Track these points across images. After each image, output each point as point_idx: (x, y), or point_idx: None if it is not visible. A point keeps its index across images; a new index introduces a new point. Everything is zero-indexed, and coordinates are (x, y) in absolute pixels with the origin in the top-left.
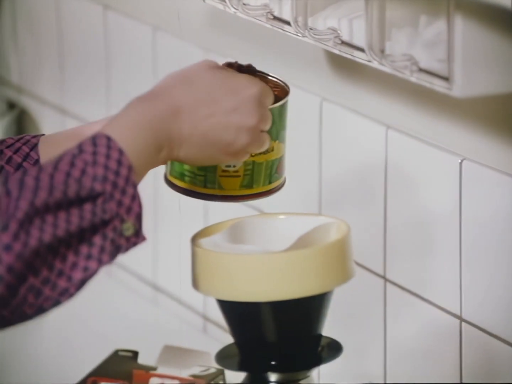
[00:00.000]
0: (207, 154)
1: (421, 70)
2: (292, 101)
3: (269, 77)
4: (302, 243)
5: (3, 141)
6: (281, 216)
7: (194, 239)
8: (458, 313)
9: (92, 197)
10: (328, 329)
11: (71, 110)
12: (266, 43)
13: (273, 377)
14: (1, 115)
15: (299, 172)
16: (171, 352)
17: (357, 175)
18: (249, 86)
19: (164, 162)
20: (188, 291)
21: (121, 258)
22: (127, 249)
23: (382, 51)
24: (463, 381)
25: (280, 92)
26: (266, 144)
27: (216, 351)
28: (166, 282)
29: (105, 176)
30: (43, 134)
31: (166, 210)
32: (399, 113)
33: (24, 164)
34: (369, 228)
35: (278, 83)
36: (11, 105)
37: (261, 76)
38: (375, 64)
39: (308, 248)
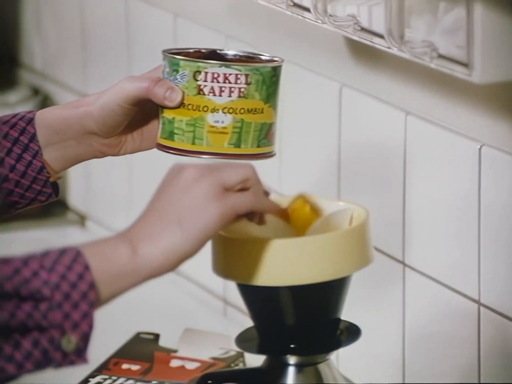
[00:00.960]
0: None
1: (440, 56)
2: (312, 87)
3: (262, 57)
4: (320, 228)
5: None
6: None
7: None
8: (476, 297)
9: (35, 299)
10: (347, 313)
11: None
12: (285, 29)
13: (292, 360)
14: (25, 101)
15: (318, 157)
16: (192, 335)
17: (376, 161)
18: (197, 188)
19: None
20: (208, 275)
21: None
22: (60, 365)
23: (402, 37)
24: (481, 365)
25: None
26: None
27: (236, 334)
28: (186, 266)
29: (58, 284)
30: (38, 109)
31: None
32: (418, 99)
33: (21, 138)
34: (388, 213)
35: (273, 59)
36: (35, 91)
37: (251, 58)
38: (394, 51)
39: (327, 234)
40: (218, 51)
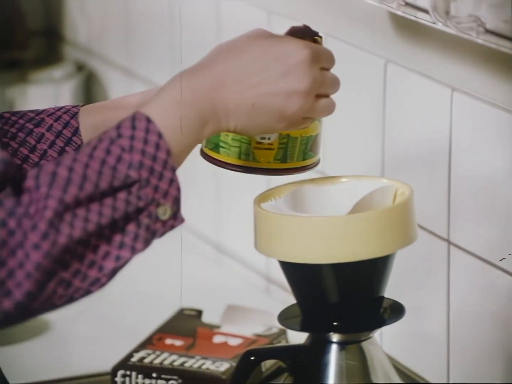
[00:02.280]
0: (258, 123)
1: (487, 31)
2: (357, 62)
3: None
4: (364, 205)
5: (44, 109)
6: (344, 179)
7: (257, 201)
8: None
9: (127, 185)
10: (391, 291)
11: (136, 72)
12: (330, 5)
13: (335, 337)
14: (70, 77)
15: (363, 134)
16: (235, 312)
17: (421, 137)
18: (298, 51)
19: (212, 134)
20: (251, 252)
21: (186, 218)
22: (163, 233)
23: (447, 12)
24: None
25: None
26: (331, 108)
27: (279, 312)
28: (229, 243)
29: (141, 162)
30: (84, 104)
31: (229, 171)
32: (464, 75)
33: (64, 131)
34: (433, 191)
35: None
36: (80, 67)
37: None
38: (439, 26)
39: (371, 211)
40: None
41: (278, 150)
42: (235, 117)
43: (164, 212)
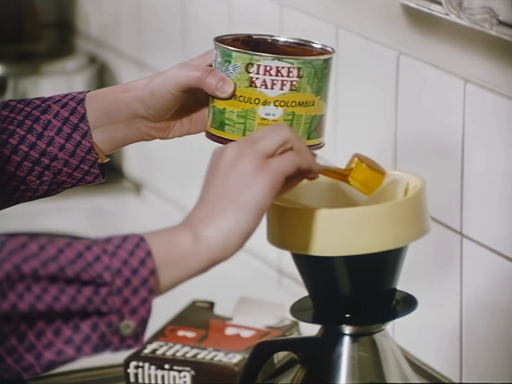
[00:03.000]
0: (250, 217)
1: (500, 22)
2: (369, 55)
3: (314, 45)
4: (377, 198)
5: (50, 97)
6: None
7: None
8: None
9: (96, 284)
10: (404, 283)
11: (148, 64)
12: None
13: (347, 329)
14: (82, 69)
15: (375, 126)
16: (247, 304)
17: (434, 129)
18: (241, 163)
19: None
20: (264, 244)
21: None
22: (117, 349)
23: (460, 4)
24: None
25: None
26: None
27: (291, 304)
28: None
29: (119, 269)
30: (89, 91)
31: None
32: (477, 67)
33: (71, 118)
34: (446, 183)
35: (324, 48)
36: (92, 59)
37: (303, 45)
38: (452, 18)
39: (383, 203)
40: (269, 39)
41: None
42: (221, 223)
43: (126, 328)
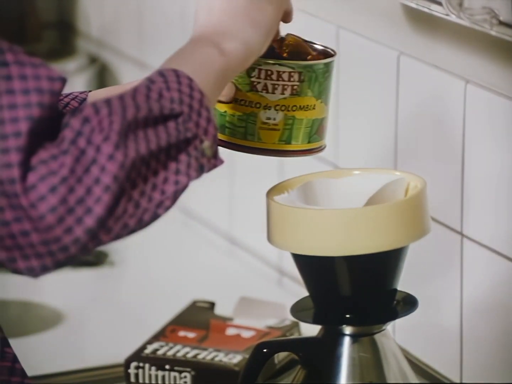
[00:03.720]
0: (253, 28)
1: (501, 23)
2: (370, 55)
3: (316, 45)
4: (377, 198)
5: None
6: (356, 172)
7: (270, 194)
8: None
9: (174, 116)
10: (405, 284)
11: (149, 64)
12: None
13: (348, 330)
14: (83, 69)
15: (376, 126)
16: (247, 304)
17: (435, 130)
18: None
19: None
20: (264, 244)
21: (199, 211)
22: (209, 169)
23: (461, 4)
24: None
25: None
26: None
27: (291, 304)
28: (242, 236)
29: (180, 98)
30: (90, 91)
31: (242, 163)
32: (478, 67)
33: None
34: (446, 183)
35: (326, 50)
36: (93, 59)
37: (306, 44)
38: (453, 18)
39: (384, 204)
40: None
41: (284, 130)
42: (233, 33)
43: (207, 149)
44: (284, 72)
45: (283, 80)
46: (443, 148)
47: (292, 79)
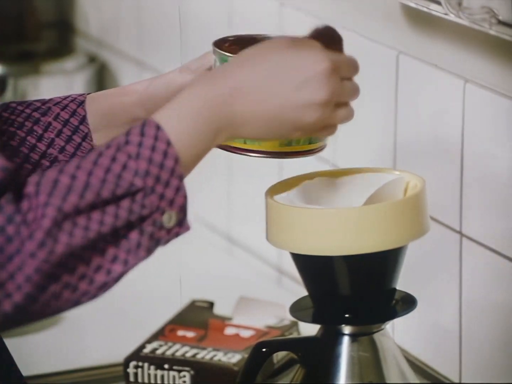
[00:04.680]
0: (272, 132)
1: (500, 22)
2: (369, 54)
3: None
4: (376, 198)
5: (50, 99)
6: (355, 171)
7: (269, 193)
8: None
9: (131, 193)
10: (403, 283)
11: (148, 63)
12: None
13: (347, 329)
14: (82, 68)
15: (375, 125)
16: (246, 303)
17: (434, 129)
18: (316, 63)
19: (225, 141)
20: (263, 244)
21: (198, 210)
22: (168, 240)
23: (460, 3)
24: None
25: None
26: (349, 116)
27: (290, 303)
28: (241, 235)
29: (147, 170)
30: (90, 93)
31: (241, 163)
32: (477, 66)
33: (71, 120)
34: (445, 182)
35: None
36: (92, 58)
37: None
38: (452, 17)
39: (383, 203)
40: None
41: None
42: (249, 127)
43: (169, 219)
44: None
45: None
46: (442, 147)
47: None
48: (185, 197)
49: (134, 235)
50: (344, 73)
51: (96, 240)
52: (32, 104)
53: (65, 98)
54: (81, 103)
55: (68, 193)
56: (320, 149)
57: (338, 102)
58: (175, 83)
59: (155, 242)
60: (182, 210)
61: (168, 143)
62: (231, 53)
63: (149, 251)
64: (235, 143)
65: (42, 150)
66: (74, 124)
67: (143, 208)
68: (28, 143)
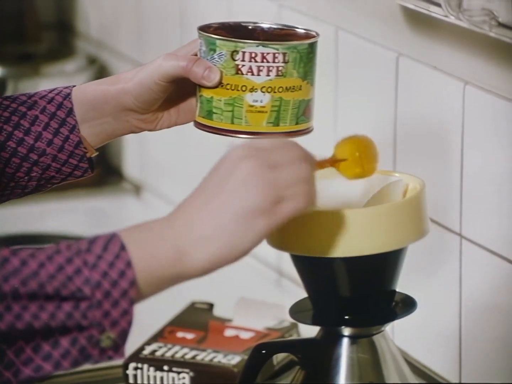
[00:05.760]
0: (236, 245)
1: (500, 24)
2: (368, 56)
3: (298, 30)
4: (376, 199)
5: (36, 92)
6: None
7: None
8: None
9: (76, 298)
10: (403, 285)
11: None
12: None
13: (346, 331)
14: (82, 70)
15: (374, 127)
16: (246, 305)
17: (434, 131)
18: (241, 170)
19: (192, 272)
20: (263, 245)
21: None
22: (97, 361)
23: (460, 5)
24: None
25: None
26: (305, 198)
27: (290, 305)
28: None
29: (99, 282)
30: (74, 85)
31: None
32: (477, 69)
33: (58, 112)
34: (445, 184)
35: (308, 32)
36: (92, 60)
37: (286, 30)
38: (452, 19)
39: (382, 205)
40: (252, 25)
41: (271, 112)
42: (212, 247)
43: (106, 340)
44: (268, 53)
45: (268, 62)
46: (442, 149)
47: (276, 60)
48: (129, 323)
49: (65, 342)
50: (275, 162)
51: (25, 332)
52: (18, 98)
53: (51, 91)
54: (67, 96)
55: (12, 275)
56: (307, 131)
57: (282, 196)
58: (162, 69)
59: (84, 357)
60: (123, 336)
61: (128, 264)
62: (217, 36)
63: (75, 364)
64: (223, 124)
65: (30, 143)
66: (61, 117)
67: (83, 318)
68: (15, 137)
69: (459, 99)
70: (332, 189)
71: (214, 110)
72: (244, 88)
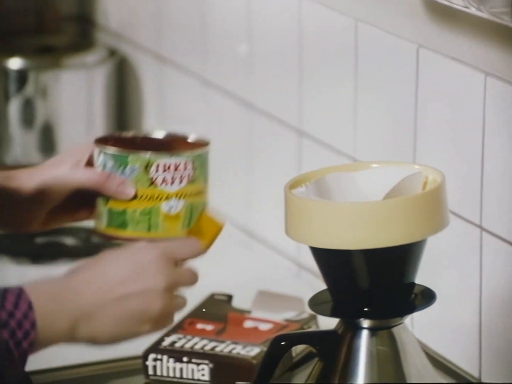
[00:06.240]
0: (123, 327)
1: None
2: (389, 48)
3: (189, 137)
4: (396, 192)
5: None
6: (374, 165)
7: (288, 187)
8: None
9: None
10: (422, 277)
11: (168, 57)
12: None
13: (365, 323)
14: (102, 62)
15: (395, 119)
16: (265, 297)
17: (454, 123)
18: (145, 253)
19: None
20: (282, 237)
21: (216, 203)
22: None
23: None
24: None
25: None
26: (184, 304)
27: (309, 297)
28: (260, 229)
29: (6, 341)
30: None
31: (260, 156)
32: (498, 60)
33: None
34: (465, 176)
35: (198, 141)
36: (112, 52)
37: (178, 137)
38: (472, 11)
39: (402, 197)
40: (141, 137)
41: (185, 217)
42: (100, 323)
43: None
44: (180, 162)
45: (180, 170)
46: (462, 141)
47: (188, 168)
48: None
49: None
50: (178, 258)
51: None
52: None
53: None
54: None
55: None
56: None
57: (175, 289)
58: (72, 182)
59: None
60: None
61: (33, 325)
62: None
63: None
64: (138, 233)
65: None
66: None
67: None
68: None
69: (480, 91)
70: (351, 181)
71: (128, 221)
72: (159, 198)
